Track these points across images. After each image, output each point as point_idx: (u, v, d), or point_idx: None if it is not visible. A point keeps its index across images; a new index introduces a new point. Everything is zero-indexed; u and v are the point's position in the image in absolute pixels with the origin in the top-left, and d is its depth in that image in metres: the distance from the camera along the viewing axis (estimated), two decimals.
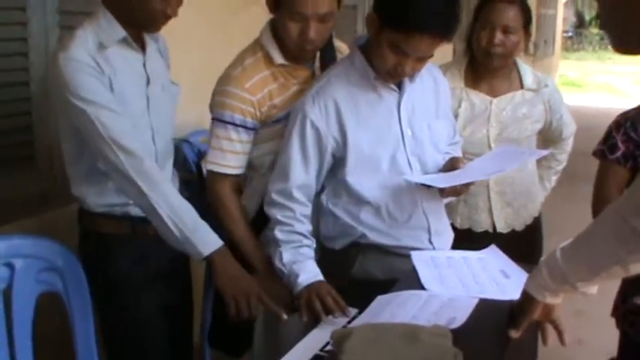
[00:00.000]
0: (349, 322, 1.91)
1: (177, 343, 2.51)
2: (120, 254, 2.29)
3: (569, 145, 3.04)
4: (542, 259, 1.74)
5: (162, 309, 2.37)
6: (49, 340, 2.37)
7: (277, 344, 2.30)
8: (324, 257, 2.39)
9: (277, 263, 2.17)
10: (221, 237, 2.17)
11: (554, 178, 3.11)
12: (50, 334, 2.38)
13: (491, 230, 2.86)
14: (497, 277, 2.08)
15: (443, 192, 2.28)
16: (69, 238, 2.33)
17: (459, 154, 2.41)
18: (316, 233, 2.36)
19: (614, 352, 2.73)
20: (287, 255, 2.16)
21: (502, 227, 2.86)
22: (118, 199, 2.25)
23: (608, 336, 3.41)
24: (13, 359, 2.21)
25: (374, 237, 2.24)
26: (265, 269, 2.31)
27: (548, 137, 3.00)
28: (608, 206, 1.63)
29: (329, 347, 1.75)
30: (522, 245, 2.76)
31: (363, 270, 2.30)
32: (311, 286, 2.07)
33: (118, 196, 2.24)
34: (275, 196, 2.22)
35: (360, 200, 2.21)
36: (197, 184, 2.75)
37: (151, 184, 2.08)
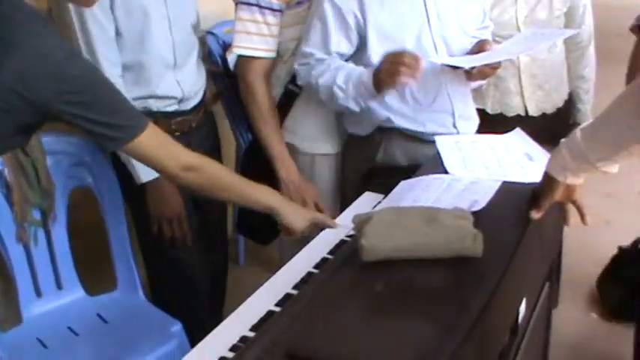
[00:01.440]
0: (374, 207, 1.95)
1: (210, 235, 2.59)
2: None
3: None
4: (562, 140, 1.73)
5: (193, 204, 2.43)
6: (85, 233, 2.46)
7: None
8: (349, 144, 2.42)
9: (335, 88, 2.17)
10: None
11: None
12: (86, 229, 2.46)
13: (523, 114, 2.84)
14: (522, 160, 2.07)
15: (469, 75, 2.26)
16: None
17: (488, 38, 2.38)
18: (341, 119, 2.38)
19: None
20: (341, 76, 2.17)
21: (534, 110, 2.83)
22: (137, 92, 2.26)
23: (636, 216, 3.42)
24: (52, 253, 2.31)
25: (398, 121, 2.24)
26: (289, 174, 2.36)
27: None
28: (629, 85, 1.61)
29: (349, 233, 1.80)
30: (554, 128, 2.74)
31: (387, 156, 2.31)
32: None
33: (135, 89, 2.25)
34: (305, 59, 2.23)
35: None
36: (224, 77, 2.76)
37: None
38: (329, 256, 1.70)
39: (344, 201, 2.44)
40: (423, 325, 1.32)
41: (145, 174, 2.23)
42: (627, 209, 3.87)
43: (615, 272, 3.36)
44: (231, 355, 1.36)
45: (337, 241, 1.81)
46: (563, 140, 1.72)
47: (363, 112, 2.24)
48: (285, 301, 1.50)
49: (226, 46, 2.81)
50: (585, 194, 1.89)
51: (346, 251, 1.61)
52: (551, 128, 2.61)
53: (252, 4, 2.26)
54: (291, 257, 1.78)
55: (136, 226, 2.46)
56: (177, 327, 2.26)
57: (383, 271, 1.48)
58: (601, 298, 3.43)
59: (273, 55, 2.34)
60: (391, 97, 2.21)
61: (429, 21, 2.18)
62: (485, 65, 2.19)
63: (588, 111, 3.01)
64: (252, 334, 1.39)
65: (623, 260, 3.35)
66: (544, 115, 2.85)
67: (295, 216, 1.84)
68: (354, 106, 2.19)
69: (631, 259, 3.30)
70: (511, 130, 2.30)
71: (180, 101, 2.35)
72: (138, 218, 2.44)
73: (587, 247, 3.53)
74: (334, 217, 2.22)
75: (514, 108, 2.82)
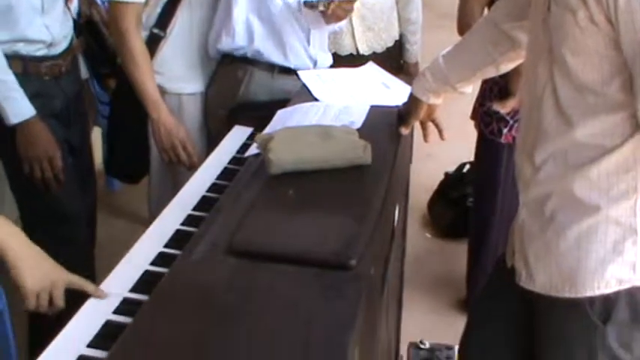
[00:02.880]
0: None
1: (81, 176, 2.65)
2: None
3: None
4: (426, 66, 2.00)
5: (61, 145, 2.48)
6: None
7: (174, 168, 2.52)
8: (213, 82, 2.58)
9: None
10: None
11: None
12: None
13: (355, 53, 3.10)
14: (381, 88, 2.33)
15: (326, 18, 2.46)
16: None
17: None
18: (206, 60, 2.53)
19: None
20: None
21: (364, 50, 3.10)
22: (6, 35, 2.27)
23: (454, 147, 3.80)
24: None
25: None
26: (160, 116, 2.46)
27: None
28: (482, 17, 1.89)
29: (248, 152, 1.97)
30: (384, 66, 3.02)
31: (248, 92, 2.49)
32: None
33: (4, 33, 2.26)
34: None
35: None
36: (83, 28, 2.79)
37: None
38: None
39: (210, 138, 2.61)
40: (338, 218, 1.53)
41: (15, 115, 2.27)
42: (445, 142, 4.25)
43: (443, 195, 3.74)
44: (155, 268, 1.50)
45: (227, 160, 2.00)
46: (426, 67, 1.98)
47: None
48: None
49: None
50: None
51: (250, 169, 1.79)
52: (382, 66, 2.88)
53: None
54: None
55: (6, 169, 2.50)
56: None
57: (290, 180, 1.67)
58: (433, 219, 3.81)
59: (144, 0, 2.43)
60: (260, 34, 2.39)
61: None
62: (338, 6, 2.41)
63: (416, 51, 3.32)
64: (136, 296, 1.42)
65: (449, 184, 3.74)
66: (375, 54, 3.13)
67: (33, 271, 1.39)
68: None
69: (456, 182, 3.70)
70: None
71: (50, 45, 2.39)
72: (7, 160, 2.47)
73: (416, 176, 3.87)
74: (202, 154, 2.41)
75: (346, 47, 3.08)
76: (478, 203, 3.10)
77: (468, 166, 3.68)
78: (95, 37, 2.77)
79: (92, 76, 3.00)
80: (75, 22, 2.61)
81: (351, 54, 3.09)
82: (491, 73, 1.90)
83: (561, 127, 1.47)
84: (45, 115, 2.38)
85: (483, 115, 2.84)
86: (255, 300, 1.28)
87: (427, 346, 2.62)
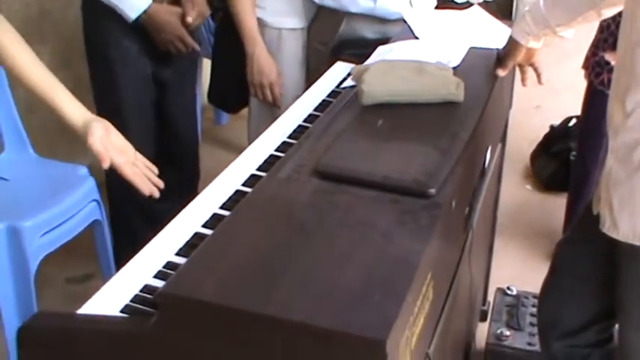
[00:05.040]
0: None
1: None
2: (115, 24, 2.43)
3: None
4: (526, 8, 1.98)
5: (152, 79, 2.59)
6: None
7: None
8: (315, 18, 2.61)
9: None
10: None
11: None
12: None
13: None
14: (483, 30, 2.31)
15: None
16: None
17: None
18: None
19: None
20: None
21: None
22: None
23: (563, 101, 3.75)
24: None
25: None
26: (255, 51, 2.53)
27: None
28: None
29: (345, 84, 2.02)
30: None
31: (350, 29, 2.52)
32: None
33: None
34: None
35: None
36: None
37: None
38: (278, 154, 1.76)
39: (308, 73, 2.66)
40: (423, 149, 1.56)
41: (132, 10, 2.37)
42: (555, 95, 4.20)
43: (547, 148, 3.70)
44: (246, 189, 1.56)
45: (329, 91, 2.06)
46: (527, 8, 1.96)
47: None
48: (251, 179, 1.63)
49: None
50: (518, 82, 2.18)
51: (344, 100, 1.83)
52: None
53: None
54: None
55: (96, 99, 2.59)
56: (83, 170, 2.50)
57: (381, 111, 1.71)
58: (534, 171, 3.77)
59: None
60: None
61: None
62: None
63: None
64: (226, 213, 1.48)
65: (554, 137, 3.68)
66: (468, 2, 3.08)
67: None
68: None
69: (561, 135, 3.64)
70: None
71: None
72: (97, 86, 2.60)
73: (521, 127, 3.85)
74: (300, 88, 2.47)
75: None
76: (581, 155, 3.05)
77: (574, 121, 3.61)
78: None
79: None
80: None
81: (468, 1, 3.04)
82: (592, 17, 1.86)
83: None
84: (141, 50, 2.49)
85: (595, 65, 2.79)
86: (332, 219, 1.33)
87: (514, 292, 2.63)
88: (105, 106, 2.49)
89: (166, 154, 2.67)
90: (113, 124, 1.73)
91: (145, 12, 2.37)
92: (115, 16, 2.39)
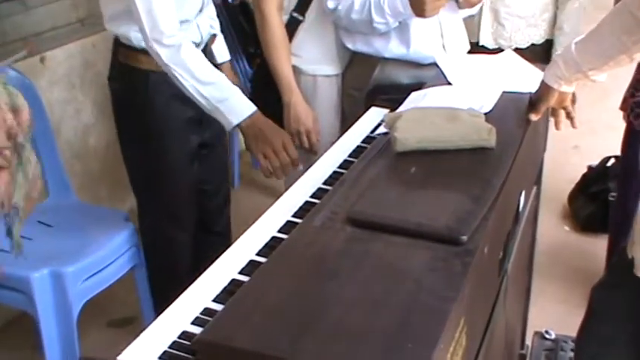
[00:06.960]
0: None
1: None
2: (158, 90, 2.34)
3: None
4: (557, 52, 2.00)
5: (197, 149, 2.55)
6: None
7: None
8: (350, 65, 2.66)
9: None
10: None
11: None
12: None
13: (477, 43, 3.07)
14: (515, 75, 2.34)
15: (458, 3, 2.50)
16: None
17: None
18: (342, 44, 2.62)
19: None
20: None
21: (488, 42, 3.07)
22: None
23: (600, 140, 3.73)
24: None
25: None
26: (292, 100, 2.57)
27: None
28: (617, 4, 1.87)
29: (378, 131, 2.05)
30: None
31: (384, 74, 2.57)
32: None
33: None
34: None
35: None
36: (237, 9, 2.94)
37: (183, 68, 2.11)
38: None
39: (343, 118, 2.71)
40: (455, 196, 1.58)
41: (235, 115, 2.21)
42: (593, 134, 4.19)
43: (585, 188, 3.68)
44: (282, 235, 1.59)
45: (363, 137, 2.10)
46: (558, 53, 1.98)
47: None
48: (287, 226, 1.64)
49: None
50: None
51: (377, 147, 1.86)
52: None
53: None
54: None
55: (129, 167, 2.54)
56: (123, 215, 2.55)
57: (414, 158, 1.73)
58: (572, 212, 3.75)
59: None
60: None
61: None
62: None
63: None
64: (262, 259, 1.51)
65: (592, 178, 3.67)
66: (533, 45, 3.08)
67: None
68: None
69: (599, 176, 3.62)
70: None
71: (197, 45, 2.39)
72: (133, 155, 2.53)
73: (559, 168, 3.84)
74: (335, 134, 2.52)
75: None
76: (620, 196, 3.03)
77: (612, 160, 3.60)
78: (246, 17, 2.91)
79: (241, 55, 3.14)
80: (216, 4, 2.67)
81: (477, 44, 3.04)
82: (625, 62, 1.87)
83: None
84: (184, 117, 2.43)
85: (634, 106, 2.79)
86: (364, 266, 1.36)
87: (553, 336, 2.61)
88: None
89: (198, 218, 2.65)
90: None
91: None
92: None
